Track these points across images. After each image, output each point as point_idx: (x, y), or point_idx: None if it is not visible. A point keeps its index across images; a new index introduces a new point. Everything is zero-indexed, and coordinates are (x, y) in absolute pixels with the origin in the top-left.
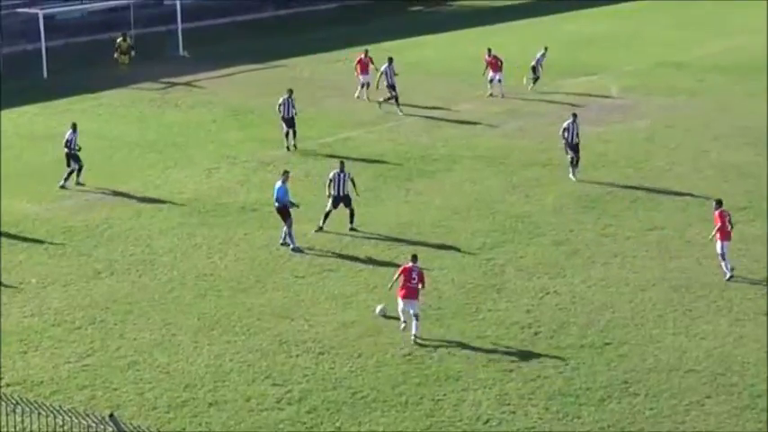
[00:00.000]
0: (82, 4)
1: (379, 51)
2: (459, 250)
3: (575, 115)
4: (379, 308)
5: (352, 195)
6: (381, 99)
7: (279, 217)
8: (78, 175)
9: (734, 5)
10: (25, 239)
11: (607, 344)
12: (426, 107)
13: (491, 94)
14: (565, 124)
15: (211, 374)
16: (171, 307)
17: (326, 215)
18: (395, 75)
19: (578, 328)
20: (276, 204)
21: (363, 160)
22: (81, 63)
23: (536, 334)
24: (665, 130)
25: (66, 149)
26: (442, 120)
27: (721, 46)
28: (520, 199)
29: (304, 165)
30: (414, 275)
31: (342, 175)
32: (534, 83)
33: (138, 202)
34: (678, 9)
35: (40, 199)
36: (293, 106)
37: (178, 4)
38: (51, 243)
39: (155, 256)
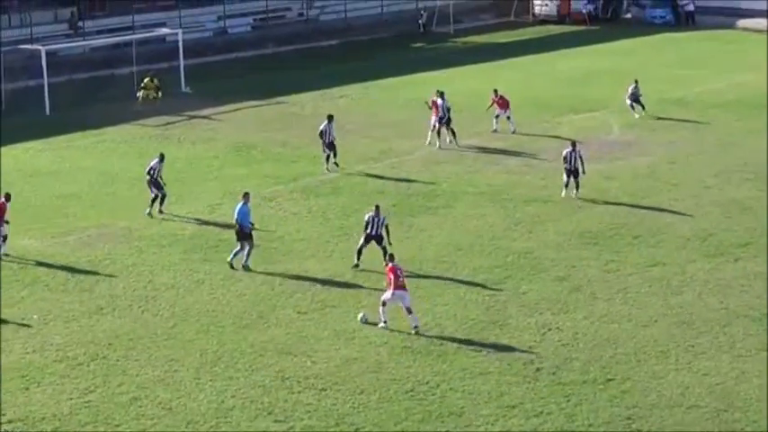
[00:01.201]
0: (84, 40)
1: (381, 88)
2: (461, 286)
3: (574, 144)
4: (360, 315)
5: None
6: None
7: (235, 238)
8: (162, 203)
9: (734, 43)
10: (27, 275)
11: (610, 380)
12: (427, 144)
13: (495, 130)
14: (564, 153)
15: (213, 411)
16: (173, 343)
17: (359, 251)
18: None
19: (581, 363)
20: (241, 222)
21: (365, 196)
22: (83, 99)
23: (538, 370)
24: (666, 167)
25: (147, 176)
26: (443, 155)
27: (723, 83)
28: (522, 235)
29: (306, 201)
30: (399, 272)
31: (377, 220)
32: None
33: (140, 237)
34: (679, 46)
35: (41, 235)
36: (333, 131)
37: (180, 40)
38: (53, 279)
39: (157, 292)
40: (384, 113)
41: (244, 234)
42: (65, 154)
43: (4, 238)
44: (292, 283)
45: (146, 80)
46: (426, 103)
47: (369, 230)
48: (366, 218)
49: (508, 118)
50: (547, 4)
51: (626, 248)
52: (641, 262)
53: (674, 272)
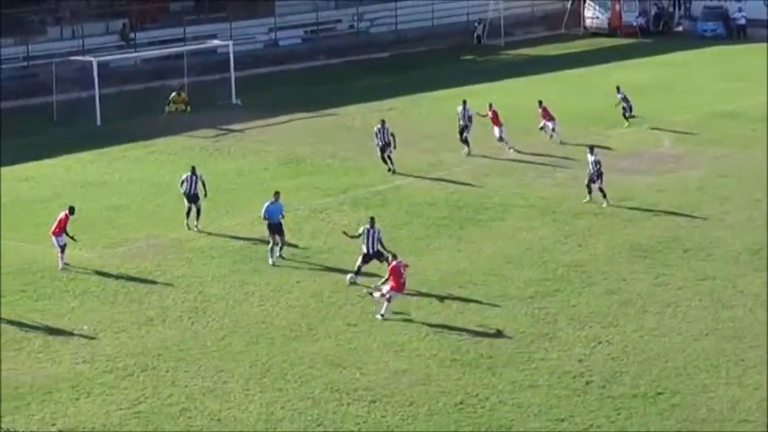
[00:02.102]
0: (135, 52)
1: (430, 101)
2: (510, 299)
3: (591, 147)
4: (348, 276)
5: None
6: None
7: (267, 233)
8: (198, 217)
9: None
10: (77, 286)
11: (660, 393)
12: (478, 156)
13: (551, 137)
14: (592, 158)
15: (263, 422)
16: (223, 354)
17: (357, 270)
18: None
19: (631, 377)
20: (271, 221)
21: (415, 209)
22: (134, 111)
23: (588, 383)
24: (717, 180)
25: (188, 189)
26: (493, 168)
27: None
28: (572, 248)
29: (355, 213)
30: (401, 271)
31: (371, 233)
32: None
33: (190, 249)
34: (730, 59)
35: (92, 246)
36: (387, 133)
37: (231, 52)
38: (104, 290)
39: (207, 304)
40: (433, 126)
41: (274, 228)
42: (115, 165)
43: (62, 248)
44: (342, 295)
45: (173, 94)
46: (479, 113)
47: (366, 249)
48: (360, 230)
49: (553, 130)
50: (598, 17)
51: (676, 262)
52: (691, 276)
53: (724, 286)
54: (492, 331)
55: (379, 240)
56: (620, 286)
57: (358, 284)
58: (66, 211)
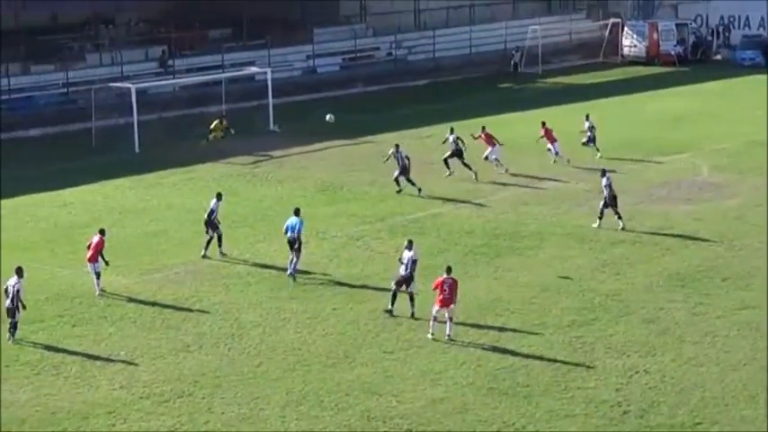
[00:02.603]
0: (174, 78)
1: (467, 128)
2: (547, 327)
3: (603, 171)
4: (328, 116)
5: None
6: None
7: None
8: (220, 244)
9: None
10: (115, 312)
11: (697, 424)
12: (514, 184)
13: (555, 161)
14: (604, 181)
15: None
16: (259, 381)
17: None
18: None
19: (668, 407)
20: (290, 236)
21: (453, 236)
22: (172, 137)
23: (625, 413)
24: (756, 209)
25: (207, 218)
26: (530, 197)
27: None
28: (610, 277)
29: (393, 240)
30: (446, 287)
31: (410, 257)
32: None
33: (227, 275)
34: (765, 88)
35: (129, 272)
36: (403, 155)
37: (269, 79)
38: (141, 316)
39: (243, 330)
40: (471, 153)
41: (292, 243)
42: (153, 191)
43: (97, 275)
44: (379, 323)
45: (215, 122)
46: (473, 135)
47: (403, 271)
48: (403, 255)
49: (556, 153)
50: (636, 46)
51: (714, 291)
52: (730, 305)
53: (762, 315)
54: (529, 360)
55: (414, 262)
56: (657, 315)
57: (395, 315)
58: (101, 236)
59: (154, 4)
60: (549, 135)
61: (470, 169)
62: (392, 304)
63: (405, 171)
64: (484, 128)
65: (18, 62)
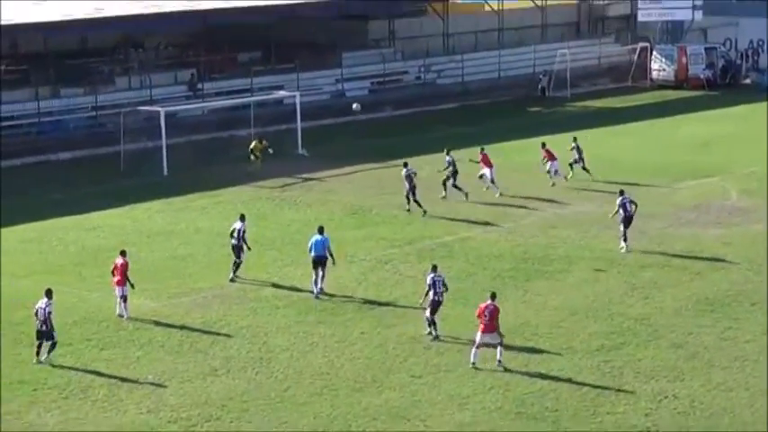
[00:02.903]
0: (203, 102)
1: (496, 152)
2: (576, 352)
3: (622, 191)
4: (355, 105)
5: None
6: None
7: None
8: (236, 270)
9: None
10: (142, 336)
11: None
12: (542, 208)
13: (553, 184)
14: (618, 201)
15: None
16: (287, 405)
17: (431, 322)
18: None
19: None
20: (315, 254)
21: (481, 260)
22: (201, 160)
23: None
24: None
25: (233, 241)
26: (559, 220)
27: None
28: (638, 301)
29: (421, 264)
30: (487, 313)
31: (438, 281)
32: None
33: (255, 299)
34: None
35: (157, 295)
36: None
37: (298, 103)
38: (168, 340)
39: (271, 354)
40: (499, 177)
41: (318, 261)
42: (181, 215)
43: (124, 298)
44: (407, 347)
45: (254, 143)
46: (471, 160)
47: (434, 296)
48: (428, 279)
49: (556, 172)
50: (664, 69)
51: (744, 315)
52: (759, 329)
53: None
54: (557, 384)
55: (444, 284)
56: (686, 340)
57: (441, 338)
58: (123, 257)
59: (183, 28)
60: (549, 155)
61: (444, 190)
62: (434, 329)
63: (413, 191)
64: (483, 149)
65: (48, 85)
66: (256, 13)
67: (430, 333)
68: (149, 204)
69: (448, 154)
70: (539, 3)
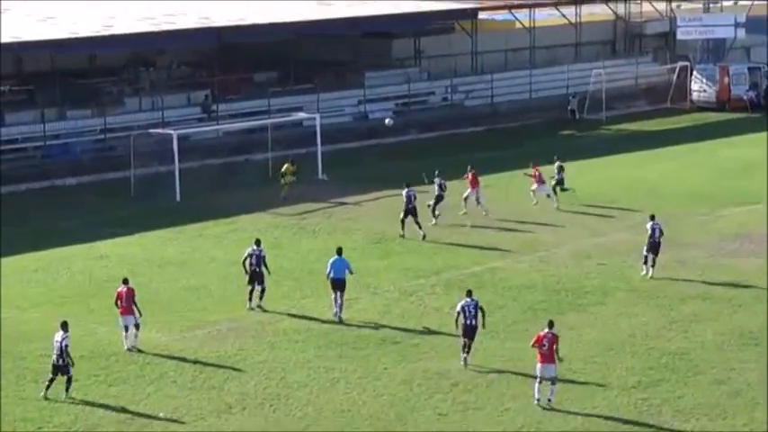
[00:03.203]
0: (218, 124)
1: (526, 178)
2: (612, 388)
3: (653, 216)
4: (387, 120)
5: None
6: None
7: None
8: (261, 297)
9: None
10: (154, 371)
11: None
12: (576, 237)
13: (536, 203)
14: (648, 225)
15: None
16: None
17: (464, 347)
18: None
19: None
20: (333, 276)
21: (512, 292)
22: (215, 186)
23: None
24: None
25: (252, 266)
26: (593, 249)
27: None
28: (677, 335)
29: (448, 296)
30: (545, 342)
31: (470, 306)
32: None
33: (272, 332)
34: None
35: (169, 328)
36: (412, 197)
37: (318, 125)
38: (181, 375)
39: (289, 391)
40: (530, 204)
41: (338, 284)
42: (195, 243)
43: (127, 327)
44: (433, 383)
45: (285, 165)
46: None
47: (465, 320)
48: (458, 306)
49: (548, 196)
50: (705, 90)
51: None
52: None
53: None
54: (592, 422)
55: (482, 309)
56: (729, 376)
57: (469, 364)
58: (126, 285)
59: (197, 46)
60: (538, 177)
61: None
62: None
63: (413, 212)
64: (471, 168)
65: (54, 107)
66: (274, 30)
67: (466, 359)
68: (161, 232)
69: (437, 176)
70: (572, 20)
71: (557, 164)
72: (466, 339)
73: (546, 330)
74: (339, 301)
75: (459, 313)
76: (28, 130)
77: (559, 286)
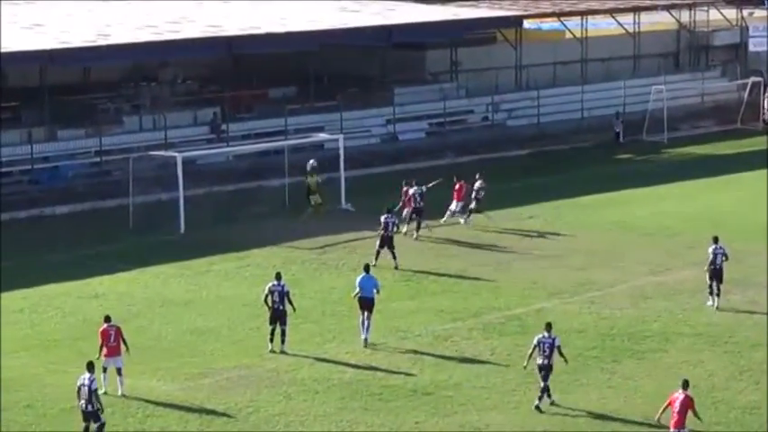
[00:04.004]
0: (227, 146)
1: (578, 208)
2: None
3: (716, 239)
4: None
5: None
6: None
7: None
8: (283, 341)
9: None
10: (154, 424)
11: None
12: (634, 274)
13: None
14: (710, 250)
15: None
16: None
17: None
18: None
19: None
20: (362, 294)
21: (560, 336)
22: (225, 216)
23: None
24: None
25: (275, 303)
26: (652, 289)
27: None
28: (748, 386)
29: (488, 341)
30: (677, 404)
31: (547, 340)
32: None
33: (288, 382)
34: None
35: (172, 376)
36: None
37: (341, 147)
38: (185, 429)
39: None
40: (581, 238)
41: (366, 303)
42: (202, 280)
43: (108, 370)
44: None
45: (308, 177)
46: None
47: (542, 360)
48: (534, 340)
49: (454, 213)
50: None
51: None
52: None
53: None
54: None
55: (558, 349)
56: None
57: (556, 403)
58: (108, 324)
59: (204, 58)
60: (458, 193)
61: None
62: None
63: (389, 242)
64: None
65: (43, 126)
66: (292, 40)
67: (541, 399)
68: (163, 268)
69: (415, 185)
70: (630, 29)
71: (478, 182)
72: (540, 380)
73: (679, 391)
74: (366, 323)
75: (534, 348)
76: (13, 153)
77: (614, 331)
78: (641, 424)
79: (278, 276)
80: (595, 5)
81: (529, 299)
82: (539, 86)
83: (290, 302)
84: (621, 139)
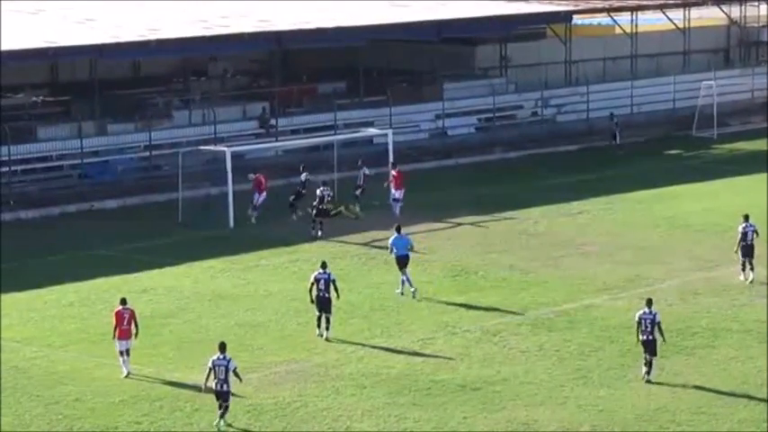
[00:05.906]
0: (276, 141)
1: (628, 203)
2: None
3: (746, 217)
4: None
5: None
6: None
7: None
8: (327, 328)
9: None
10: (202, 419)
11: None
12: (684, 270)
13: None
14: (740, 228)
15: None
16: None
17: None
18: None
19: None
20: (397, 253)
21: (609, 332)
22: (275, 211)
23: None
24: None
25: (320, 292)
26: (702, 285)
27: None
28: None
29: (536, 337)
30: None
31: (649, 317)
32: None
33: (336, 376)
34: None
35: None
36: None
37: (390, 142)
38: (234, 423)
39: None
40: (631, 234)
41: (401, 261)
42: (250, 275)
43: (122, 352)
44: None
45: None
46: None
47: (642, 335)
48: (636, 316)
49: (396, 200)
50: None
51: None
52: None
53: None
54: None
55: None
56: None
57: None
58: (127, 306)
59: (253, 53)
60: (397, 181)
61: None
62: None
63: (324, 213)
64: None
65: (93, 120)
66: (341, 35)
67: (647, 373)
68: (212, 262)
69: (303, 171)
70: (680, 25)
71: (363, 170)
72: (646, 355)
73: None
74: (406, 277)
75: (638, 325)
76: (63, 147)
77: (663, 326)
78: (690, 420)
79: (323, 265)
80: (645, 1)
81: (578, 294)
82: (588, 82)
83: (336, 290)
84: (618, 140)
